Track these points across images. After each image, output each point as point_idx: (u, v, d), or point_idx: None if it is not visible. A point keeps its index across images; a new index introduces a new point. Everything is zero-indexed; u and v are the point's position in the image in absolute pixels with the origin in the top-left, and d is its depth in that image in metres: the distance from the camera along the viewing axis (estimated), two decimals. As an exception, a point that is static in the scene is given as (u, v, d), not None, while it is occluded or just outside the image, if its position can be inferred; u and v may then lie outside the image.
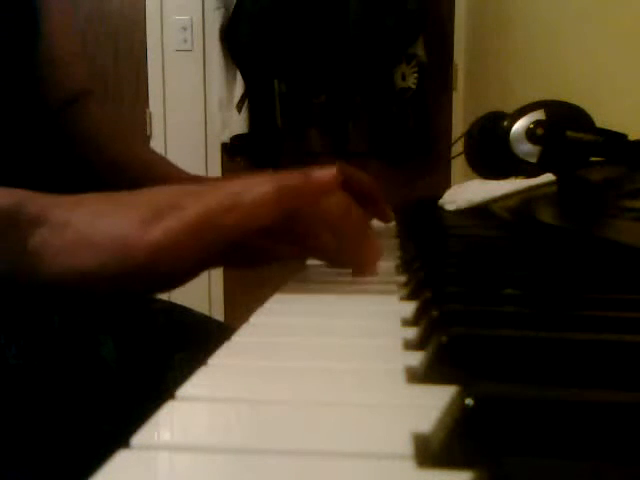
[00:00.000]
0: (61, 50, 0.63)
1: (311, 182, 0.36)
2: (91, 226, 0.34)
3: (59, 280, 0.34)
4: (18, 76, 0.56)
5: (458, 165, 2.31)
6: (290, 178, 0.36)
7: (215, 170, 2.64)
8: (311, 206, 0.38)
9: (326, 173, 0.37)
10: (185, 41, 2.62)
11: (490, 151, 0.75)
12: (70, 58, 0.65)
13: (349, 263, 0.41)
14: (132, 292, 0.37)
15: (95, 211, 0.34)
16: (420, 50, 2.47)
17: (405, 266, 0.45)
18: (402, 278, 0.40)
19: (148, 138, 2.62)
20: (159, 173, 0.63)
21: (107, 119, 0.67)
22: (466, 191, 0.91)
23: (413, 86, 2.47)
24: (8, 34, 0.54)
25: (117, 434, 0.18)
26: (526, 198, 0.73)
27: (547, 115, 0.67)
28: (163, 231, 0.33)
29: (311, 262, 0.47)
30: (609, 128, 0.69)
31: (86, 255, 0.33)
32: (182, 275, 0.36)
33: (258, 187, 0.35)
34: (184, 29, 2.61)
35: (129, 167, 0.63)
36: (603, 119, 0.70)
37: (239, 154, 2.60)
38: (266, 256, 0.43)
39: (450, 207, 0.90)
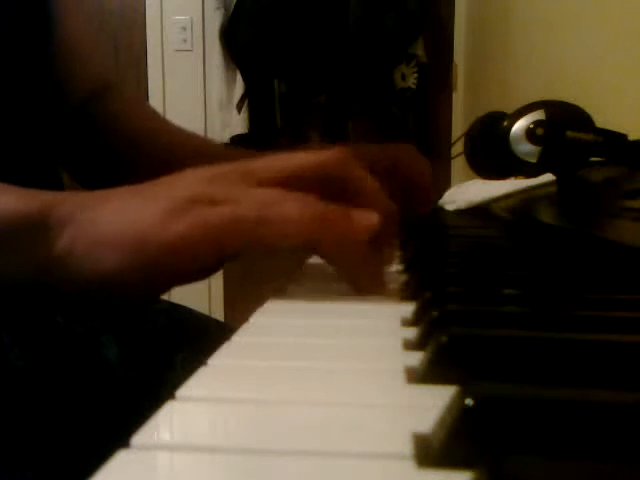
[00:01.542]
0: (78, 46, 0.62)
1: (348, 224, 0.33)
2: (112, 224, 0.33)
3: (84, 283, 0.33)
4: (35, 74, 0.56)
5: (458, 165, 2.31)
6: (327, 209, 0.33)
7: (215, 170, 2.64)
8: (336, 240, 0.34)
9: (367, 219, 0.33)
10: (185, 41, 2.62)
11: (490, 151, 0.75)
12: (88, 53, 0.64)
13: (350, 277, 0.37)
14: (149, 292, 0.36)
15: (118, 208, 0.34)
16: (420, 50, 2.47)
17: (405, 266, 0.45)
18: (402, 278, 0.40)
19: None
20: (193, 154, 0.61)
21: (131, 110, 0.66)
22: (466, 191, 0.91)
23: (413, 86, 2.47)
24: (21, 32, 0.54)
25: (118, 434, 0.18)
26: (526, 198, 0.73)
27: (547, 115, 0.67)
28: (182, 229, 0.32)
29: (311, 262, 0.47)
30: (609, 128, 0.69)
31: (106, 255, 0.32)
32: (198, 271, 0.34)
33: (290, 204, 0.33)
34: (184, 29, 2.61)
35: (161, 154, 0.61)
36: (603, 119, 0.70)
37: (239, 154, 2.60)
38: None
39: (450, 207, 0.91)
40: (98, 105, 0.63)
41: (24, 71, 0.54)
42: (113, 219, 0.33)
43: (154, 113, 0.68)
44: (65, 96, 0.62)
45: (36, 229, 0.33)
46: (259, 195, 0.33)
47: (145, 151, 0.62)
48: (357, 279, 0.36)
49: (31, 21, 0.55)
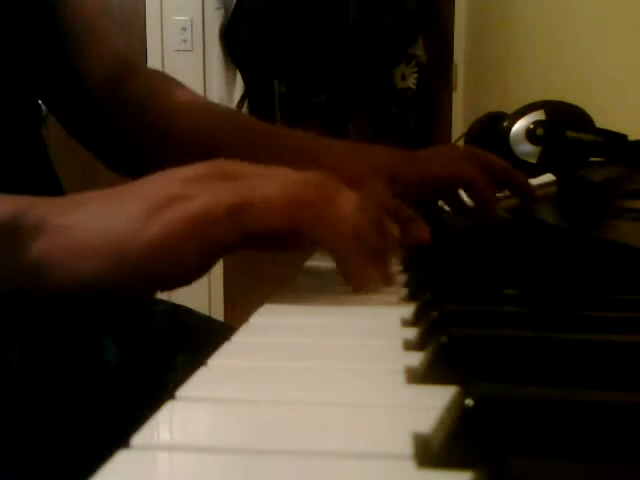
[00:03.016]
0: (90, 24, 0.61)
1: (328, 202, 0.33)
2: (89, 229, 0.32)
3: (64, 289, 0.32)
4: (41, 50, 0.55)
5: (458, 165, 2.30)
6: (305, 189, 0.33)
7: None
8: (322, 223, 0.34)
9: (348, 200, 0.33)
10: (185, 41, 2.61)
11: (490, 151, 0.75)
12: (102, 32, 0.63)
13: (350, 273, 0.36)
14: (134, 296, 0.35)
15: (94, 212, 0.33)
16: (420, 50, 2.47)
17: (405, 266, 0.45)
18: (402, 278, 0.40)
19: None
20: (238, 133, 0.59)
21: (153, 89, 0.64)
22: (466, 191, 0.91)
23: (413, 86, 2.47)
24: (25, 10, 0.53)
25: (119, 434, 0.18)
26: (526, 198, 0.73)
27: (547, 115, 0.67)
28: (158, 229, 0.31)
29: (310, 263, 0.47)
30: (609, 128, 0.69)
31: (84, 260, 0.31)
32: (185, 271, 0.33)
33: (265, 189, 0.32)
34: (184, 29, 2.61)
35: (198, 137, 0.60)
36: (603, 119, 0.70)
37: (239, 154, 2.60)
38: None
39: (450, 207, 0.90)
40: (121, 85, 0.62)
41: (30, 48, 0.54)
42: (89, 224, 0.32)
43: (184, 92, 0.65)
44: (84, 80, 0.60)
45: (8, 235, 0.32)
46: (232, 186, 0.32)
47: (181, 134, 0.60)
48: (351, 268, 0.34)
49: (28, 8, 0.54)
